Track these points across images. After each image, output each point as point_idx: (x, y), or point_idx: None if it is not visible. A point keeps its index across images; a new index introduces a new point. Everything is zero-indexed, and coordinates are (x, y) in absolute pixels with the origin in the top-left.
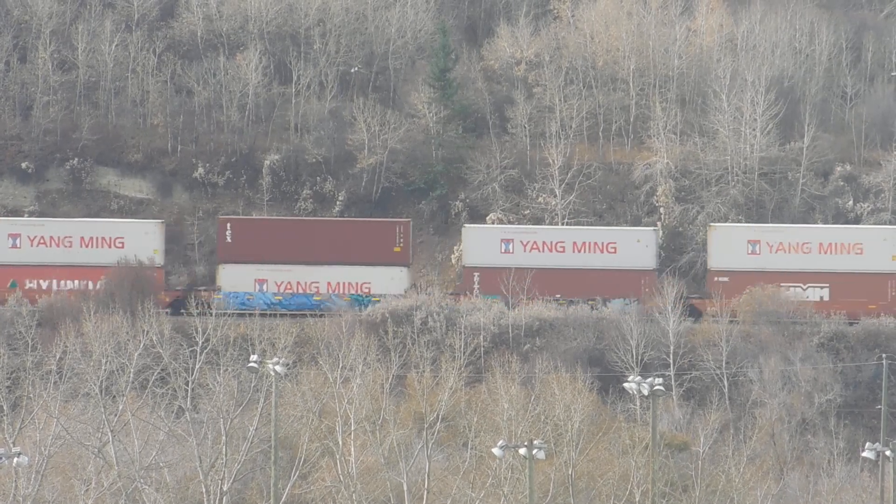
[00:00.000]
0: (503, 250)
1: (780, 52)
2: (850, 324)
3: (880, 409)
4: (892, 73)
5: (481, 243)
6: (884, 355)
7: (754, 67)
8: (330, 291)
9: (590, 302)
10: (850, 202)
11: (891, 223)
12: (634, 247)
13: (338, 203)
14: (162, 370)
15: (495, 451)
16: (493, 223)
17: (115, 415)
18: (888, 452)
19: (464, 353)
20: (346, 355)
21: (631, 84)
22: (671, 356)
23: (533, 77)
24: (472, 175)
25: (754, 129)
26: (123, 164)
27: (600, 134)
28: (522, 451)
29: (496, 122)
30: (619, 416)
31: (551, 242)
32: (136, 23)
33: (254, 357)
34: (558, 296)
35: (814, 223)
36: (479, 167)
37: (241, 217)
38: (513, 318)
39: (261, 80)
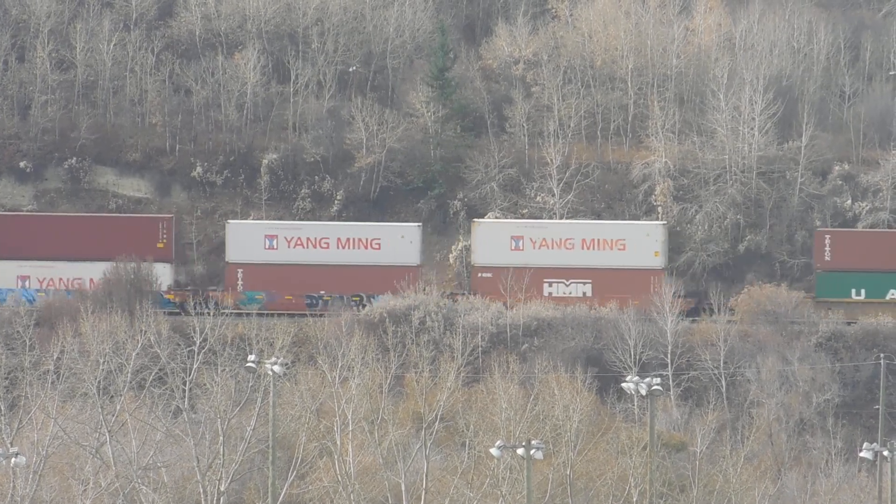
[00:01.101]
0: (268, 246)
1: (778, 51)
2: (849, 324)
3: (878, 408)
4: (891, 73)
5: (246, 239)
6: (881, 355)
7: (752, 67)
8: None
9: (354, 298)
10: (849, 201)
11: (889, 222)
12: (399, 242)
13: (336, 202)
14: (160, 370)
15: (493, 451)
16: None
17: (113, 415)
18: (886, 452)
19: (462, 352)
20: (344, 355)
21: (629, 83)
22: (669, 356)
23: (531, 76)
24: (470, 174)
25: (752, 129)
26: (122, 163)
27: (598, 133)
28: (520, 451)
29: (494, 121)
30: (618, 416)
31: (315, 238)
32: (134, 22)
33: (251, 357)
34: (322, 292)
35: (812, 223)
36: (478, 166)
37: (2, 214)
38: (511, 318)
39: (259, 80)
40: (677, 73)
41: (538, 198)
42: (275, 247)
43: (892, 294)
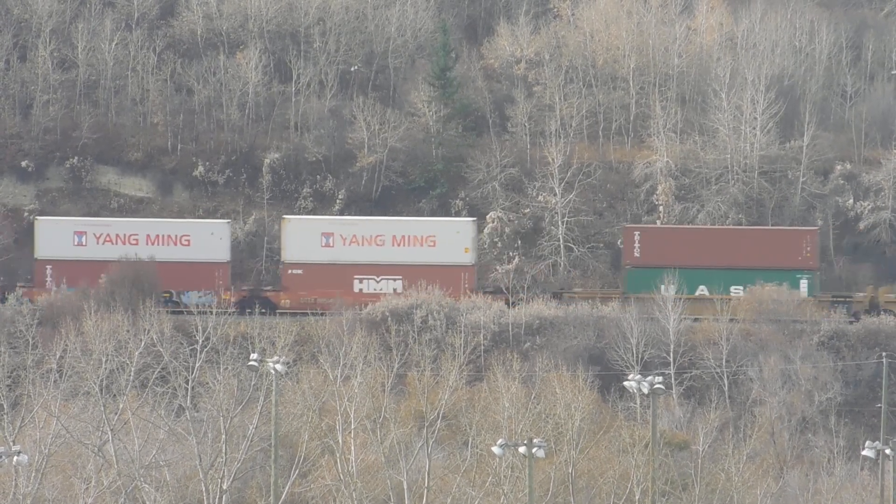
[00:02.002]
0: (76, 242)
1: (780, 50)
2: (851, 322)
3: (880, 407)
4: (892, 72)
5: (55, 236)
6: (884, 354)
7: (754, 66)
8: None
9: (164, 295)
10: (851, 201)
11: (891, 221)
12: (208, 239)
13: (338, 202)
14: (162, 369)
15: (495, 449)
16: (492, 221)
17: (116, 413)
18: (888, 451)
19: (464, 351)
20: (346, 354)
21: (631, 83)
22: (671, 354)
23: (533, 76)
24: (472, 174)
25: (754, 128)
26: (123, 162)
27: (600, 132)
28: (522, 449)
29: (496, 120)
30: (620, 414)
31: (124, 235)
32: (136, 21)
33: (254, 355)
34: None
35: (814, 222)
36: (479, 166)
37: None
38: (513, 317)
39: (261, 79)
40: (679, 72)
41: (540, 197)
42: (84, 243)
43: (702, 290)
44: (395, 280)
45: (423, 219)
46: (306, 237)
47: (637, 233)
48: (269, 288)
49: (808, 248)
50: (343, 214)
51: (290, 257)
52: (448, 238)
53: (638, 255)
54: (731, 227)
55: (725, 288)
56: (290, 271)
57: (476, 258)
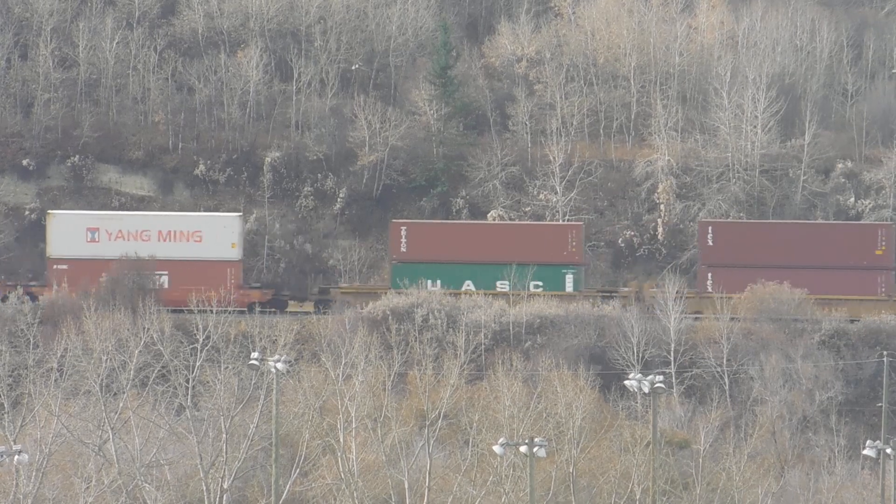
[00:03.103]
0: (89, 239)
1: (781, 49)
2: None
3: (881, 406)
4: (893, 71)
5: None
6: (885, 353)
7: (755, 65)
8: None
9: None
10: (852, 199)
11: (892, 220)
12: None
13: (339, 200)
14: (162, 368)
15: (496, 448)
16: (493, 220)
17: (116, 412)
18: (889, 450)
19: (465, 350)
20: (347, 352)
21: (632, 81)
22: (672, 354)
23: (534, 74)
24: (472, 172)
25: (755, 127)
26: (124, 161)
27: (601, 131)
28: (523, 448)
29: (497, 119)
30: (621, 413)
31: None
32: (137, 20)
33: (255, 354)
34: None
35: (815, 220)
36: (480, 164)
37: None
38: (514, 316)
39: (262, 78)
40: (680, 70)
41: (541, 196)
42: (96, 239)
43: (469, 285)
44: (161, 275)
45: (188, 214)
46: (71, 232)
47: (403, 228)
48: (34, 283)
49: (574, 243)
50: (344, 213)
51: (56, 253)
52: (214, 233)
53: (404, 250)
54: (496, 222)
55: (491, 283)
56: (55, 266)
57: (242, 253)
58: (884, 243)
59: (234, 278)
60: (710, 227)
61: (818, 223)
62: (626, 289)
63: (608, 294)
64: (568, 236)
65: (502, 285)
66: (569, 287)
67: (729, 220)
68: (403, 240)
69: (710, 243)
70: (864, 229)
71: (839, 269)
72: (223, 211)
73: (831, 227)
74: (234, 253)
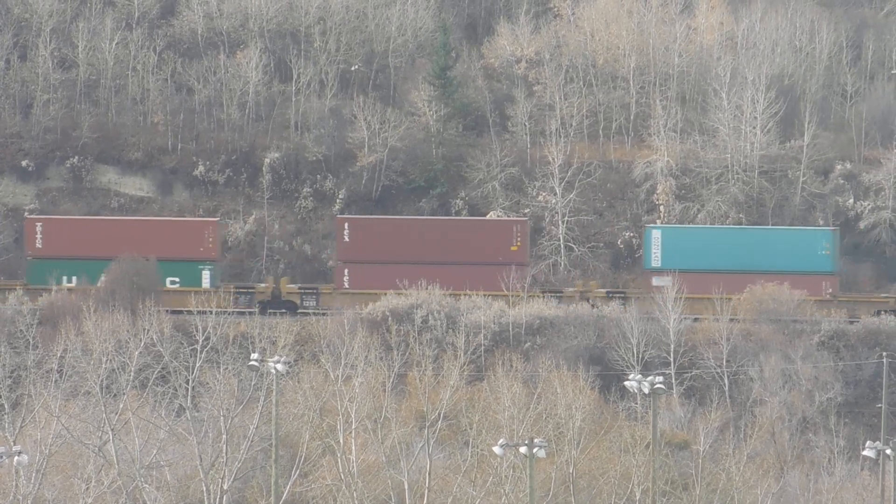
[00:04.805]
0: None
1: (780, 50)
2: (851, 322)
3: (881, 407)
4: (893, 72)
5: None
6: (884, 354)
7: (754, 65)
8: None
9: None
10: (851, 200)
11: (891, 221)
12: None
13: (338, 201)
14: (162, 369)
15: (496, 449)
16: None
17: (116, 413)
18: (888, 451)
19: (465, 351)
20: (347, 353)
21: (631, 82)
22: (672, 354)
23: (533, 75)
24: (472, 173)
25: (754, 128)
26: (124, 162)
27: (600, 132)
28: (523, 449)
29: (496, 120)
30: (620, 414)
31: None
32: (136, 21)
33: (254, 355)
34: None
35: (814, 221)
36: (480, 165)
37: None
38: (513, 317)
39: (261, 79)
40: (679, 71)
41: (540, 197)
42: None
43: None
44: None
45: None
46: None
47: (38, 223)
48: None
49: (211, 240)
50: (343, 214)
51: None
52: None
53: (40, 246)
54: (135, 218)
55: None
56: None
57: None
58: (519, 239)
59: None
60: (346, 224)
61: (454, 219)
62: (262, 285)
63: (244, 290)
64: (205, 233)
65: (173, 281)
66: (206, 283)
67: (366, 216)
68: (38, 235)
69: (347, 239)
70: (500, 225)
71: (476, 265)
72: (224, 211)
73: (467, 224)
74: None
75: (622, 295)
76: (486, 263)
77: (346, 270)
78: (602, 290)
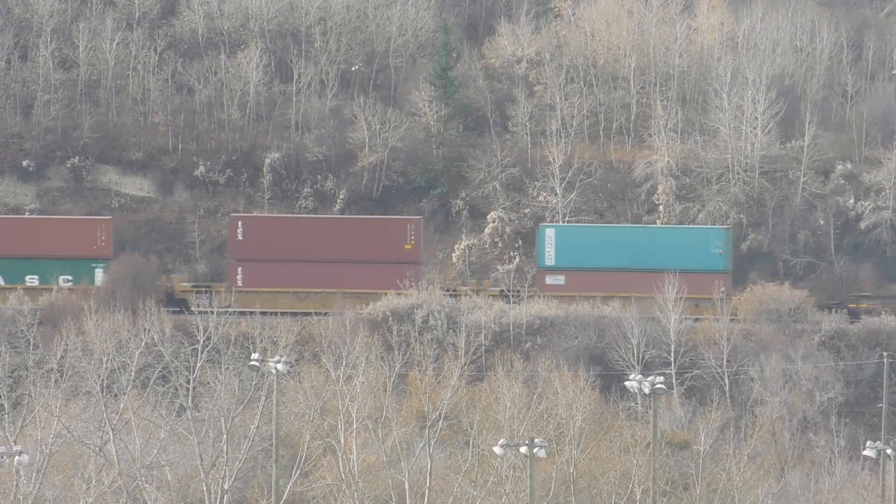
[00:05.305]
0: None
1: (780, 50)
2: (852, 322)
3: (881, 407)
4: (893, 72)
5: None
6: (885, 354)
7: (755, 66)
8: None
9: None
10: (851, 200)
11: (892, 221)
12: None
13: (339, 201)
14: (163, 368)
15: (497, 449)
16: (492, 221)
17: (117, 413)
18: (889, 451)
19: (466, 351)
20: (348, 353)
21: (632, 82)
22: (672, 354)
23: (534, 75)
24: (472, 173)
25: (755, 128)
26: (124, 162)
27: (601, 132)
28: (524, 449)
29: (497, 120)
30: (621, 414)
31: None
32: (137, 21)
33: (255, 355)
34: None
35: (815, 222)
36: (480, 165)
37: None
38: (514, 317)
39: (262, 79)
40: (680, 72)
41: (540, 197)
42: None
43: (31, 279)
44: None
45: None
46: None
47: None
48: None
49: (103, 238)
50: (343, 214)
51: None
52: None
53: None
54: (26, 217)
55: (21, 277)
56: None
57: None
58: (413, 238)
59: None
60: (239, 222)
61: (348, 218)
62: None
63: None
64: (97, 230)
65: (31, 279)
66: (98, 281)
67: (260, 214)
68: None
69: (240, 238)
70: (394, 224)
71: (372, 264)
72: (224, 212)
73: (362, 222)
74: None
75: (517, 294)
76: (381, 262)
77: (239, 269)
78: (496, 288)
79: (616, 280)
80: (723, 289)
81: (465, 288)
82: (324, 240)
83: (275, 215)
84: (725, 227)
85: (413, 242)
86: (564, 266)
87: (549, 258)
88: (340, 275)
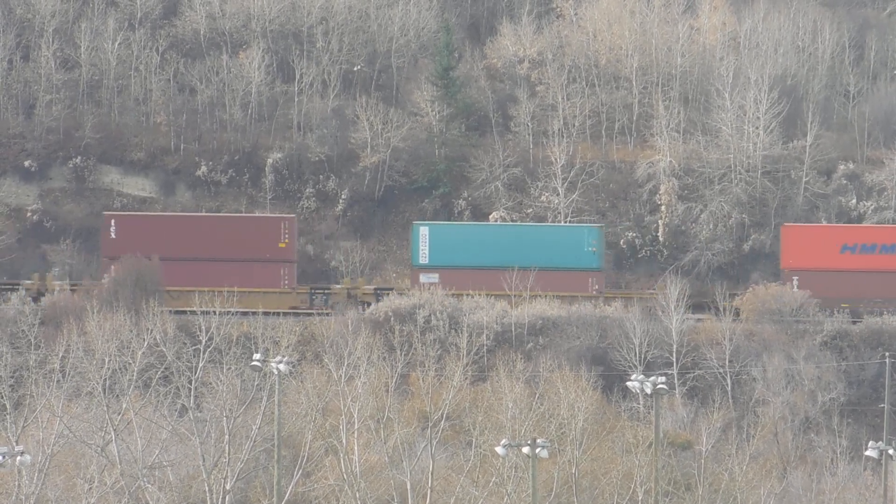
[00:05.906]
0: None
1: (783, 50)
2: (854, 322)
3: (883, 407)
4: (895, 72)
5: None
6: (887, 354)
7: (757, 66)
8: None
9: None
10: (854, 200)
11: (894, 221)
12: None
13: (341, 202)
14: (165, 369)
15: (499, 449)
16: (494, 221)
17: (119, 413)
18: (891, 451)
19: (467, 351)
20: (350, 354)
21: (634, 82)
22: (674, 355)
23: (536, 75)
24: (474, 173)
25: (757, 128)
26: (126, 162)
27: (603, 132)
28: (526, 449)
29: (499, 120)
30: (623, 414)
31: None
32: (138, 21)
33: (257, 355)
34: None
35: (817, 222)
36: (482, 165)
37: None
38: (516, 317)
39: (263, 79)
40: (682, 72)
41: (543, 197)
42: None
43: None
44: None
45: None
46: None
47: None
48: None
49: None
50: (346, 214)
51: None
52: None
53: None
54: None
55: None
56: None
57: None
58: (287, 236)
59: None
60: (113, 220)
61: (221, 216)
62: (338, 286)
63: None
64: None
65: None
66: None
67: (133, 213)
68: None
69: (114, 236)
70: (268, 222)
71: (246, 262)
72: (226, 212)
73: (235, 220)
74: None
75: (389, 292)
76: (255, 260)
77: (111, 267)
78: (370, 287)
79: (488, 278)
80: (596, 287)
81: (339, 286)
82: (197, 238)
83: (148, 213)
84: (599, 225)
85: (287, 241)
86: (438, 264)
87: (424, 256)
88: (214, 273)
